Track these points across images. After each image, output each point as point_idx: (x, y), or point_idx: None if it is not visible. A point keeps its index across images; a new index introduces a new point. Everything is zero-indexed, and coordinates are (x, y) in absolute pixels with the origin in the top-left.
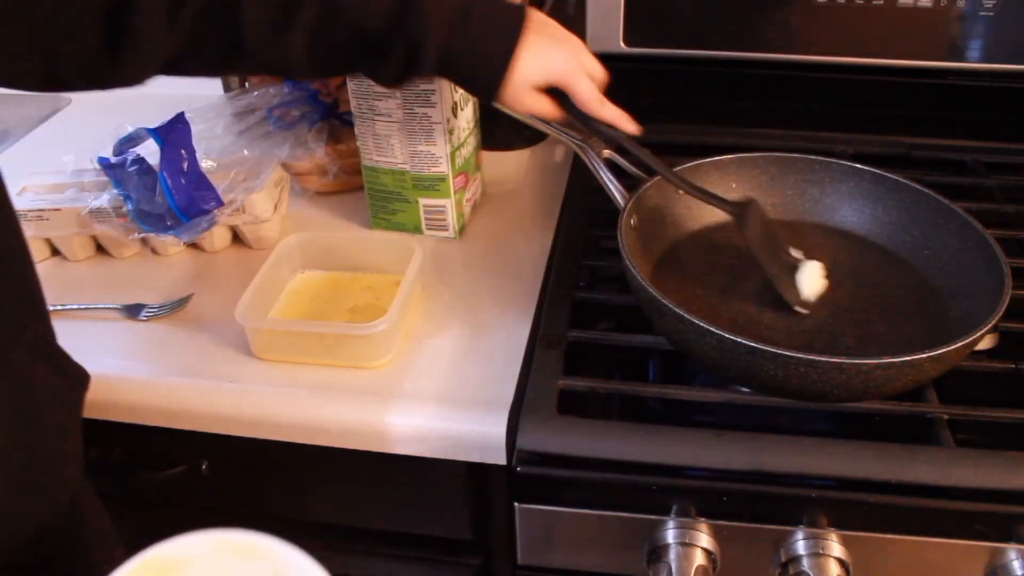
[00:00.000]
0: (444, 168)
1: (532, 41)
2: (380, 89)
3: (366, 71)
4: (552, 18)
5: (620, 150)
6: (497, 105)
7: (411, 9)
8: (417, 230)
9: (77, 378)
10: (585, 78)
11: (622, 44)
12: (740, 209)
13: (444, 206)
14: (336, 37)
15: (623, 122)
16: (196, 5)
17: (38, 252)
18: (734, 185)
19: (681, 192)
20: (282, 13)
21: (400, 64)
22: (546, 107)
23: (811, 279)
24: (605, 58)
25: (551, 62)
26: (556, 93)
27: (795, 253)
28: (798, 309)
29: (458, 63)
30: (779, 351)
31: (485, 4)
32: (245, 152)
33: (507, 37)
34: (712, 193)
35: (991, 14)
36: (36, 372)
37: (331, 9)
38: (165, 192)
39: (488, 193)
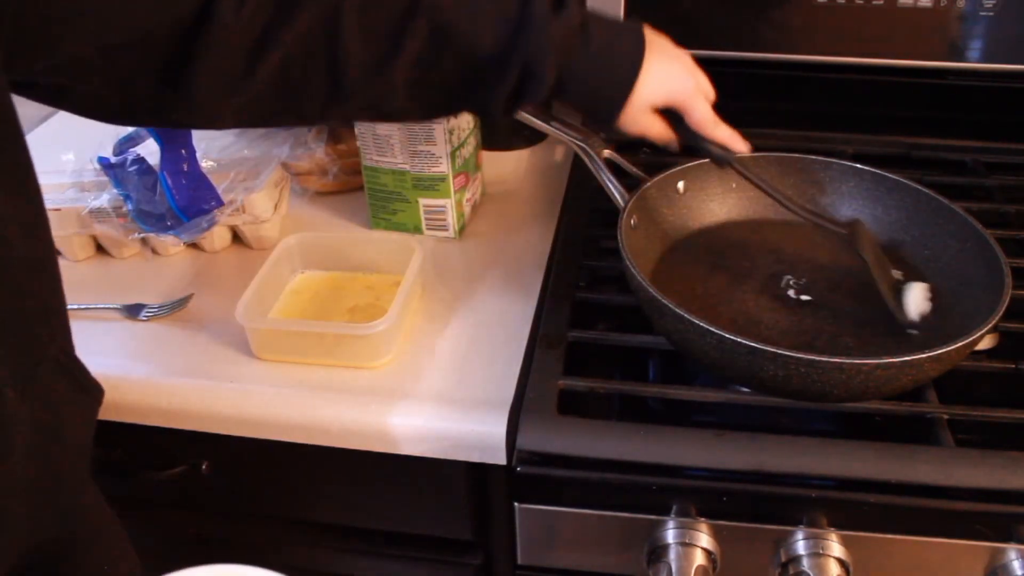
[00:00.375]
0: (444, 168)
1: (653, 60)
2: (463, 113)
3: (476, 103)
4: None
5: (621, 147)
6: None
7: (527, 25)
8: (417, 230)
9: (94, 394)
10: (702, 98)
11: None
12: (851, 228)
13: (444, 206)
14: (445, 63)
15: (735, 143)
16: (288, 46)
17: None
18: (734, 185)
19: (683, 192)
20: (387, 42)
21: (514, 89)
22: (659, 129)
23: (917, 299)
24: None
25: (671, 83)
26: (668, 112)
27: (896, 274)
28: (909, 331)
29: (579, 85)
30: (779, 351)
31: (600, 20)
32: (245, 152)
33: (631, 56)
34: (824, 215)
35: (991, 14)
36: (59, 389)
37: (441, 32)
38: (165, 192)
39: (488, 193)
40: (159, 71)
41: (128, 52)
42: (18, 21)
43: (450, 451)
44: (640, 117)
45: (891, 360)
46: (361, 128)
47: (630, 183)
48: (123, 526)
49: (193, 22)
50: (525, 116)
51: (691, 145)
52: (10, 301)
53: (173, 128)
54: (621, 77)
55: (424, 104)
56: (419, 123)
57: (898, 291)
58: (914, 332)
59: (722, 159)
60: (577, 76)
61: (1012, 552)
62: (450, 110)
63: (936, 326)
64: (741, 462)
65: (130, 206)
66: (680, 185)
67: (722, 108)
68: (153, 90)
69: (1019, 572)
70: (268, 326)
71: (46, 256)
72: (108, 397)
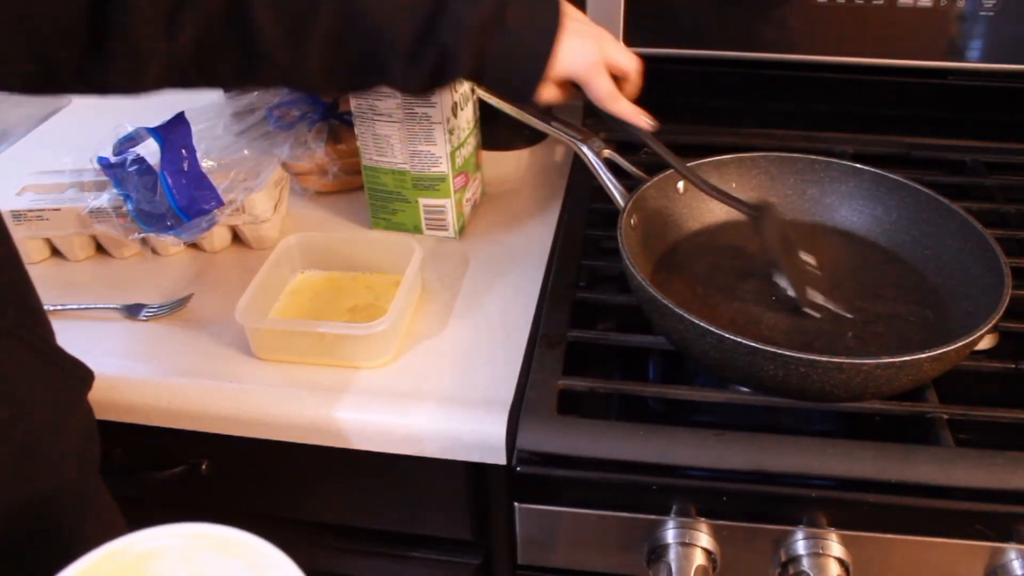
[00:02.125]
0: (444, 168)
1: (564, 37)
2: (380, 89)
3: (391, 82)
4: None
5: (621, 147)
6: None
7: (443, 11)
8: (417, 230)
9: (72, 371)
10: (602, 74)
11: (622, 44)
12: (757, 212)
13: (444, 206)
14: (358, 44)
15: (637, 118)
16: (200, 10)
17: (38, 252)
18: (734, 185)
19: (683, 191)
20: (297, 19)
21: (430, 72)
22: (560, 97)
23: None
24: None
25: (574, 60)
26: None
27: (807, 258)
28: (810, 312)
29: (494, 68)
30: (779, 351)
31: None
32: (245, 152)
33: (545, 38)
34: (730, 194)
35: (991, 14)
36: (18, 359)
37: (351, 13)
38: (166, 192)
39: (488, 193)
40: (84, 36)
41: (51, 24)
42: None
43: (450, 451)
44: (543, 90)
45: (891, 360)
46: (361, 128)
47: (630, 183)
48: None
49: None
50: (525, 116)
51: (604, 118)
52: None
53: (99, 93)
54: (536, 61)
55: (338, 80)
56: (338, 95)
57: (807, 275)
58: (815, 315)
59: (629, 135)
60: (493, 61)
61: (1012, 552)
62: (364, 88)
63: (936, 326)
64: (741, 462)
65: (130, 206)
66: (680, 185)
67: (723, 108)
68: (78, 55)
69: (1019, 572)
70: (268, 326)
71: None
72: (108, 397)
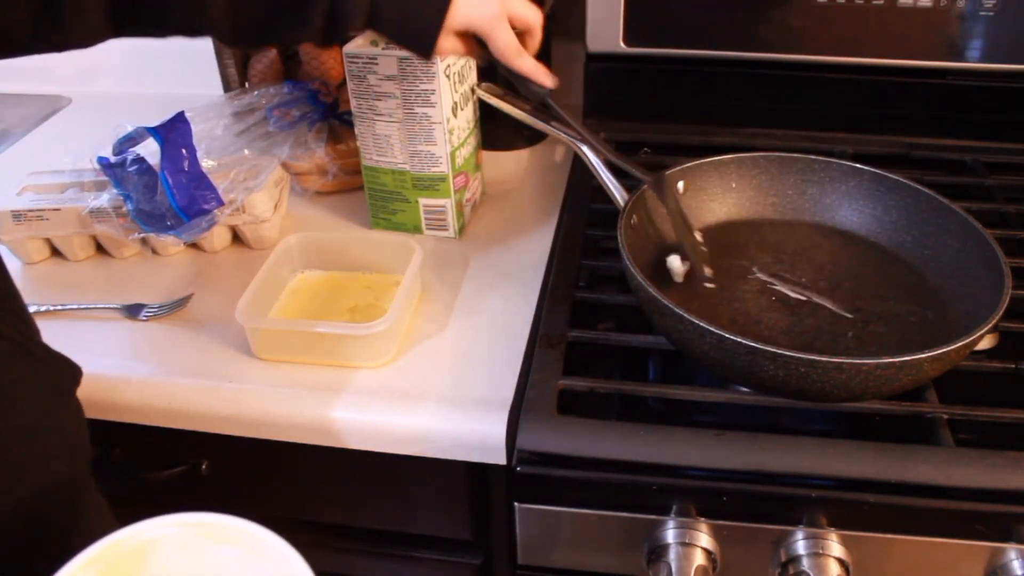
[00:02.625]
0: (444, 168)
1: None
2: (381, 89)
3: (291, 33)
4: (554, 16)
5: (621, 147)
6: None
7: None
8: (417, 230)
9: (56, 365)
10: (504, 27)
11: (622, 44)
12: (658, 180)
13: (444, 206)
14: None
15: (539, 75)
16: None
17: (38, 252)
18: (734, 185)
19: (683, 191)
20: None
21: (325, 24)
22: (462, 50)
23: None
24: (605, 58)
25: (474, 11)
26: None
27: (698, 235)
28: (708, 285)
29: (388, 19)
30: (779, 351)
31: None
32: (245, 152)
33: None
34: (631, 163)
35: (991, 14)
36: (6, 357)
37: None
38: (167, 191)
39: (488, 193)
40: (32, 2)
41: None
42: None
43: (450, 451)
44: (443, 42)
45: (891, 360)
46: (361, 128)
47: (630, 183)
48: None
49: None
50: (525, 116)
51: (507, 76)
52: None
53: (57, 50)
54: (433, 6)
55: (244, 31)
56: (242, 49)
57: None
58: (711, 286)
59: (532, 94)
60: (388, 11)
61: (1012, 552)
62: (272, 39)
63: (936, 326)
64: (741, 462)
65: (130, 206)
66: (680, 185)
67: (723, 108)
68: (31, 19)
69: (1019, 572)
70: (268, 326)
71: None
72: (108, 397)
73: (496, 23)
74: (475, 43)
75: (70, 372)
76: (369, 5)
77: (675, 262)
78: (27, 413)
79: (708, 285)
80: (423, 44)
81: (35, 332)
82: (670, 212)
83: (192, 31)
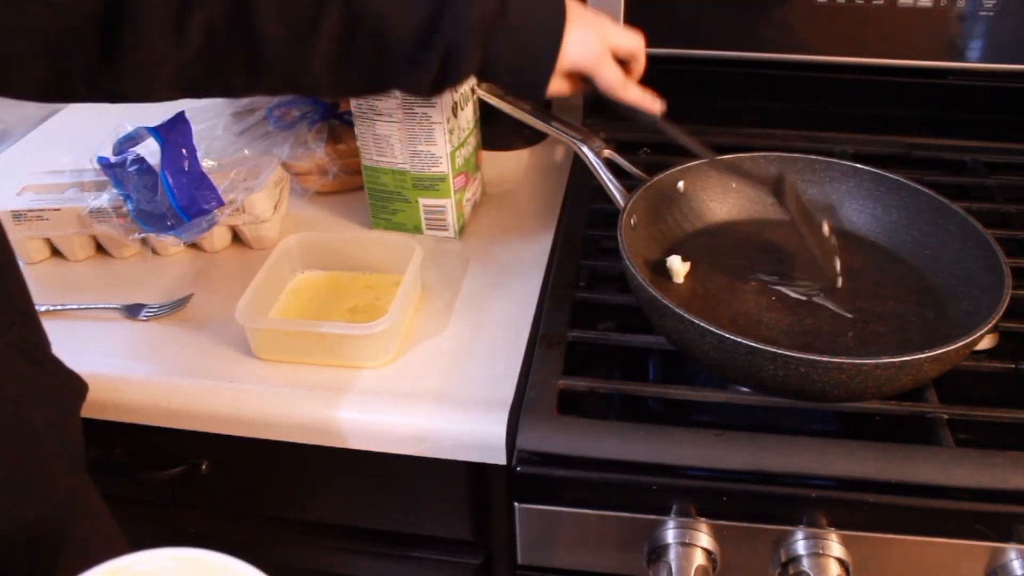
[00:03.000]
0: (444, 168)
1: (569, 31)
2: (391, 92)
3: (399, 84)
4: None
5: (621, 147)
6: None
7: (446, 9)
8: (417, 230)
9: (68, 382)
10: (608, 63)
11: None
12: (777, 184)
13: (444, 206)
14: (362, 48)
15: (646, 103)
16: (207, 14)
17: (38, 252)
18: (734, 185)
19: (683, 191)
20: (302, 22)
21: (436, 72)
22: (568, 90)
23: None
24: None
25: (580, 52)
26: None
27: (827, 230)
28: (837, 285)
29: (501, 66)
30: (779, 351)
31: None
32: (245, 152)
33: (552, 32)
34: (747, 171)
35: (991, 14)
36: (20, 373)
37: (356, 16)
38: (167, 191)
39: (488, 193)
40: (94, 45)
41: (61, 34)
42: None
43: (450, 451)
44: (552, 85)
45: (891, 360)
46: (361, 128)
47: (630, 183)
48: (113, 516)
49: (107, 8)
50: (525, 116)
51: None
52: None
53: (109, 100)
54: (543, 58)
55: (345, 83)
56: (347, 99)
57: (829, 249)
58: (838, 286)
59: (642, 122)
60: (500, 60)
61: (1012, 552)
62: (373, 91)
63: (936, 326)
64: (741, 462)
65: (130, 206)
66: (680, 185)
67: (723, 108)
68: (89, 63)
69: (1019, 572)
70: (268, 326)
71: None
72: (108, 397)
73: (600, 61)
74: (580, 80)
75: (78, 389)
76: (482, 59)
77: (675, 262)
78: (39, 430)
79: (836, 284)
80: (535, 92)
81: (46, 342)
82: (792, 212)
83: (279, 92)
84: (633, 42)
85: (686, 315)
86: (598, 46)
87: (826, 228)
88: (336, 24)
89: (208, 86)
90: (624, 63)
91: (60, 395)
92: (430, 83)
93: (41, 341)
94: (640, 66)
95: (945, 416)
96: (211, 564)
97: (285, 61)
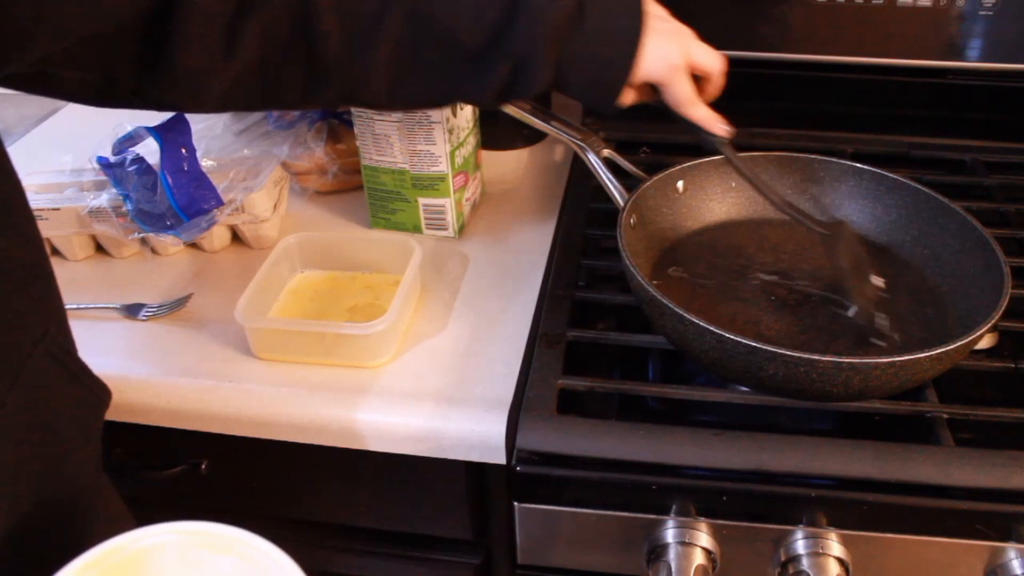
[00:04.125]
0: (444, 167)
1: (647, 39)
2: (456, 104)
3: (464, 94)
4: None
5: (621, 147)
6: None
7: (518, 13)
8: (417, 230)
9: (96, 392)
10: (682, 77)
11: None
12: (831, 230)
13: (444, 205)
14: (427, 53)
15: (713, 125)
16: (263, 23)
17: None
18: (734, 185)
19: (682, 191)
20: (364, 26)
21: (505, 81)
22: (637, 99)
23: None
24: None
25: (657, 63)
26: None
27: (876, 280)
28: (875, 342)
29: (574, 77)
30: (779, 351)
31: None
32: (245, 151)
33: (629, 40)
34: (804, 212)
35: (991, 14)
36: (54, 382)
37: (420, 16)
38: (166, 191)
39: (488, 193)
40: (139, 54)
41: (104, 41)
42: None
43: (450, 451)
44: (624, 95)
45: (891, 360)
46: (361, 127)
47: (630, 183)
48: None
49: (160, 7)
50: (525, 115)
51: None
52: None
53: (160, 110)
54: (619, 67)
55: (407, 94)
56: (410, 113)
57: (872, 300)
58: (882, 344)
59: (707, 143)
60: (574, 63)
61: (1012, 552)
62: (437, 102)
63: (936, 326)
64: (741, 462)
65: (129, 206)
66: (680, 185)
67: (723, 108)
68: (135, 72)
69: (1019, 572)
70: (268, 326)
71: (39, 259)
72: None
73: (675, 74)
74: (651, 90)
75: (103, 396)
76: (556, 69)
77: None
78: (68, 437)
79: (878, 343)
80: (606, 104)
81: (74, 346)
82: (841, 265)
83: (333, 104)
84: (713, 60)
85: (686, 315)
86: (676, 58)
87: (878, 280)
88: (399, 25)
89: (261, 100)
90: (698, 79)
91: (88, 403)
92: (497, 93)
93: (72, 347)
94: (715, 86)
95: (945, 416)
96: (217, 536)
97: (344, 70)
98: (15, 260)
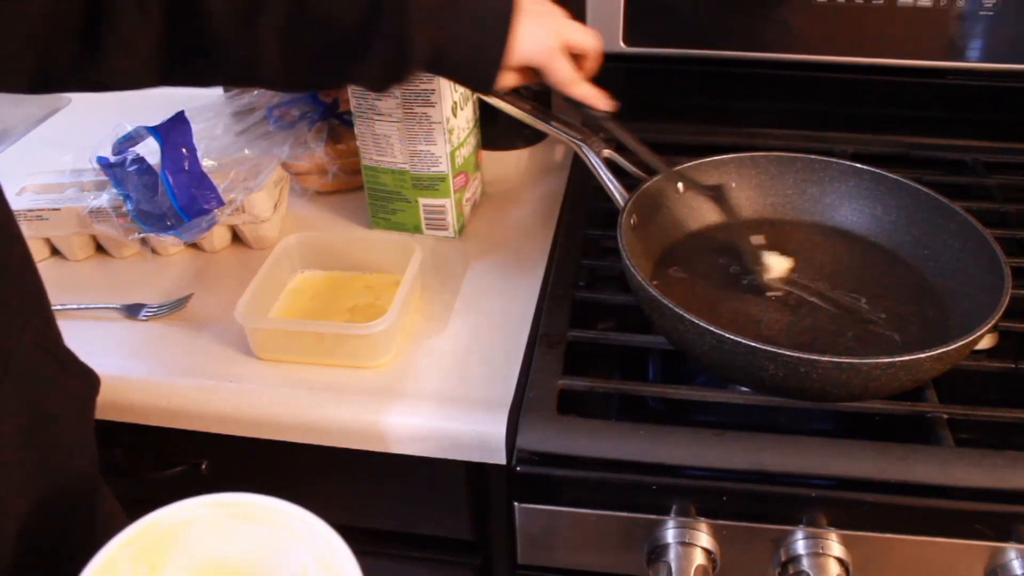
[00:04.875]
0: (444, 168)
1: (520, 22)
2: (346, 84)
3: (351, 76)
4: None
5: (621, 147)
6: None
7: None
8: (417, 230)
9: (85, 378)
10: (559, 58)
11: (622, 44)
12: (719, 192)
13: (444, 206)
14: (310, 37)
15: (595, 101)
16: (165, 6)
17: (38, 252)
18: (734, 184)
19: (683, 191)
20: (247, 8)
21: (385, 65)
22: (519, 82)
23: (777, 263)
24: (605, 58)
25: (531, 46)
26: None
27: (756, 239)
28: (770, 294)
29: (450, 58)
30: (779, 351)
31: None
32: (245, 152)
33: (501, 23)
34: (689, 178)
35: (991, 14)
36: (43, 370)
37: (300, 3)
38: (167, 191)
39: (488, 193)
40: (74, 40)
41: (42, 34)
42: None
43: (450, 451)
44: (502, 78)
45: (891, 360)
46: (361, 128)
47: (630, 183)
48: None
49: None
50: (525, 115)
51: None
52: None
53: (93, 91)
54: (492, 49)
55: (298, 74)
56: (302, 92)
57: (758, 255)
58: (773, 294)
59: (589, 119)
60: (448, 51)
61: (1012, 552)
62: (329, 83)
63: (936, 326)
64: (741, 462)
65: (130, 206)
66: (680, 185)
67: (723, 108)
68: (71, 57)
69: (1019, 572)
70: (268, 326)
71: (17, 249)
72: (108, 397)
73: (552, 56)
74: (532, 72)
75: (92, 383)
76: (431, 49)
77: (773, 258)
78: (62, 426)
79: (772, 294)
80: (483, 83)
81: (59, 336)
82: (736, 220)
83: (241, 80)
84: (588, 39)
85: (686, 315)
86: (551, 41)
87: (757, 239)
88: (282, 12)
89: (180, 73)
90: (577, 57)
91: (78, 390)
92: (380, 76)
93: (56, 334)
94: (593, 63)
95: (945, 416)
96: (250, 506)
97: (234, 49)
98: None
